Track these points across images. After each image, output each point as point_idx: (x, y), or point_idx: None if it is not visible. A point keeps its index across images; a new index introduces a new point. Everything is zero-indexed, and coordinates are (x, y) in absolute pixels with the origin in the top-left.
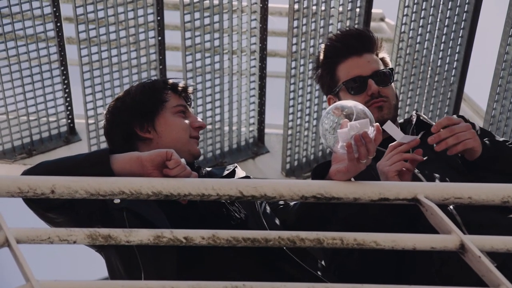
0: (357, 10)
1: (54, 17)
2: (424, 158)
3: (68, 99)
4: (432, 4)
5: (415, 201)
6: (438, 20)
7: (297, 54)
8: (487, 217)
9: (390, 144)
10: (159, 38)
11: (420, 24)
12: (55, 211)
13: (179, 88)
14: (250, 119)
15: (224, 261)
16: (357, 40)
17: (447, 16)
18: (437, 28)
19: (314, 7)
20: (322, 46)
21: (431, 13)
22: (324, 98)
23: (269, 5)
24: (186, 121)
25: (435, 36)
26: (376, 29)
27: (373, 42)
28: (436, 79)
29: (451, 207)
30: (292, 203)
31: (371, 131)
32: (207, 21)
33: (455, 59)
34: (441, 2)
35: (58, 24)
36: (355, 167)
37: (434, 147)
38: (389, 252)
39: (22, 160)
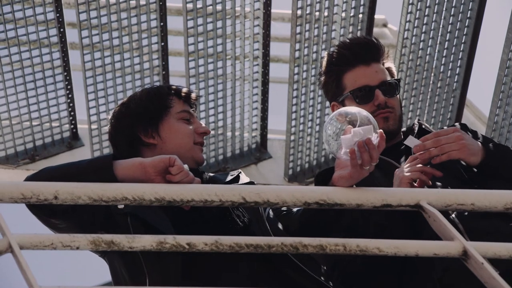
0: (360, 16)
1: (57, 22)
2: (441, 174)
3: (71, 104)
4: (435, 11)
5: (418, 208)
6: (441, 26)
7: (300, 60)
8: (489, 225)
9: (411, 156)
10: (162, 43)
11: (423, 30)
12: (58, 217)
13: (184, 94)
14: (253, 125)
15: (228, 266)
16: (365, 49)
17: (450, 22)
18: (440, 34)
19: (317, 13)
20: (329, 52)
21: (434, 19)
22: (327, 104)
23: (272, 11)
24: (190, 127)
25: (438, 42)
26: (378, 35)
27: (381, 51)
28: (439, 85)
29: (453, 215)
30: (295, 209)
31: (374, 138)
32: (210, 26)
33: (458, 65)
34: (444, 9)
35: (61, 30)
36: (358, 173)
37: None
38: (391, 260)
39: (25, 166)
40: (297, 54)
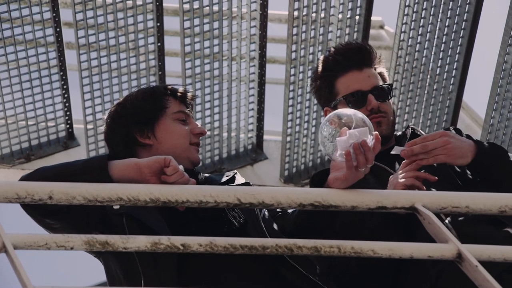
0: (357, 17)
1: (53, 22)
2: (436, 178)
3: (67, 104)
4: (432, 13)
5: (413, 210)
6: (437, 28)
7: (296, 61)
8: (482, 230)
9: (404, 162)
10: (159, 44)
11: (420, 32)
12: (53, 217)
13: (180, 94)
14: (249, 126)
15: (224, 267)
16: (357, 54)
17: (446, 24)
18: (436, 36)
19: (314, 15)
20: (321, 58)
21: (430, 21)
22: None
23: (269, 12)
24: (186, 128)
25: (434, 44)
26: (375, 37)
27: (373, 56)
28: (435, 87)
29: (447, 220)
30: (290, 211)
31: (370, 140)
32: (206, 27)
33: (454, 67)
34: (441, 11)
35: (58, 29)
36: (354, 175)
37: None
38: (385, 267)
39: (21, 165)
40: (293, 55)
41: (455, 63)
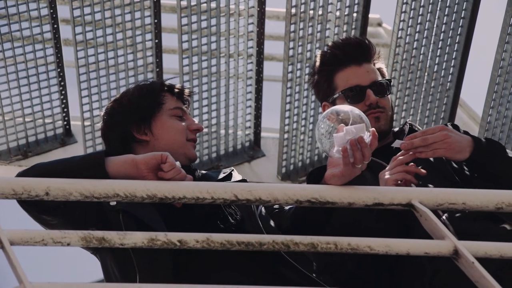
0: (354, 15)
1: (51, 18)
2: (425, 172)
3: (64, 101)
4: (429, 10)
5: (410, 207)
6: (435, 26)
7: (294, 58)
8: (479, 227)
9: (394, 157)
10: (156, 40)
11: (417, 30)
12: (49, 213)
13: (177, 90)
14: (246, 123)
15: (221, 264)
16: (357, 49)
17: (444, 22)
18: (433, 33)
19: (311, 12)
20: (320, 53)
21: (428, 18)
22: None
23: (267, 9)
24: (183, 124)
25: (432, 41)
26: (373, 34)
27: (372, 52)
28: (432, 84)
29: (443, 217)
30: (287, 208)
31: (367, 136)
32: (204, 24)
33: (452, 64)
34: (438, 8)
35: (55, 26)
36: (350, 171)
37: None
38: (382, 262)
39: (18, 162)
40: (291, 52)
41: (453, 60)
